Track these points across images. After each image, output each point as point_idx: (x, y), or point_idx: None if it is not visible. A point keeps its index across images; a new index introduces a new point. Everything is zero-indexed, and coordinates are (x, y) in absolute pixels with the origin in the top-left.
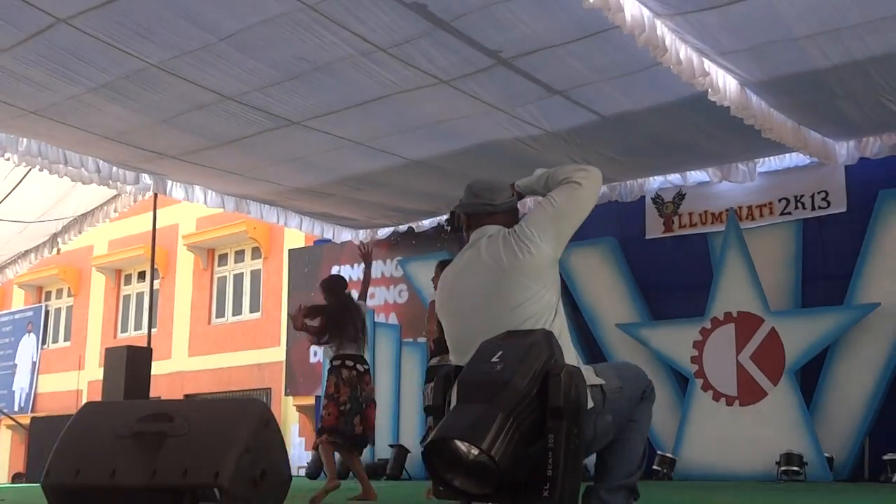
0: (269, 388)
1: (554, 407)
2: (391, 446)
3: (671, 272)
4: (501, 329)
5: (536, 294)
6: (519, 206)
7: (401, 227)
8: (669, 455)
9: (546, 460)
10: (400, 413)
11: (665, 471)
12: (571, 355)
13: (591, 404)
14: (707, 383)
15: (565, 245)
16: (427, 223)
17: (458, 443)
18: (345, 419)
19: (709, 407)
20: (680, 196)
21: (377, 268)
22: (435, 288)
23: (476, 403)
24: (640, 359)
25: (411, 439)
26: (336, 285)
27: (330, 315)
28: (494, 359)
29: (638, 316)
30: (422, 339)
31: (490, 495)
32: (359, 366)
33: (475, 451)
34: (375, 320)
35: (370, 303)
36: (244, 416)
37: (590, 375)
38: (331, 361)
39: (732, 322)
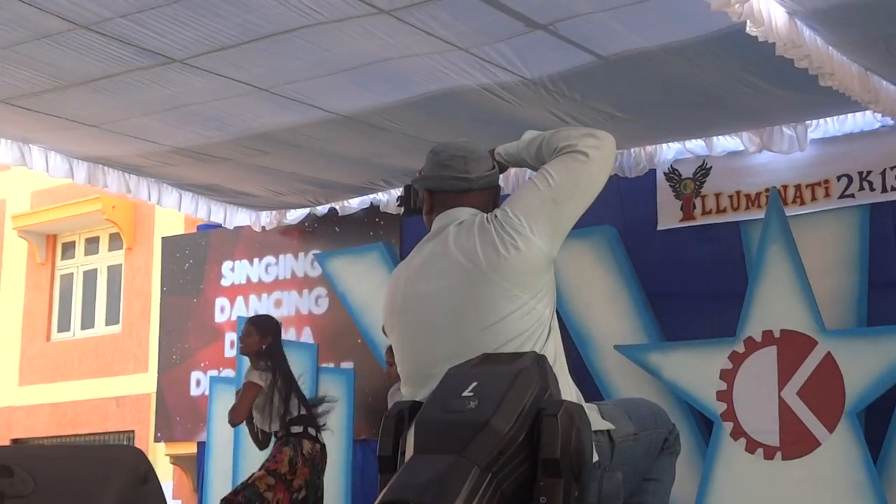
0: (132, 432)
1: (548, 459)
2: None
3: (691, 275)
4: (476, 352)
5: (525, 305)
6: (501, 181)
7: (319, 207)
8: None
9: None
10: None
11: None
12: (570, 389)
13: (595, 458)
14: (739, 428)
15: (564, 238)
16: (356, 203)
17: None
18: None
19: (741, 461)
20: (704, 170)
21: (284, 264)
22: None
23: (440, 454)
24: (647, 394)
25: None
26: (278, 326)
27: (278, 364)
28: (466, 392)
29: (645, 335)
30: (347, 365)
31: None
32: (320, 436)
33: None
34: (284, 338)
35: (275, 312)
36: (113, 468)
37: (594, 417)
38: (286, 426)
39: (774, 345)
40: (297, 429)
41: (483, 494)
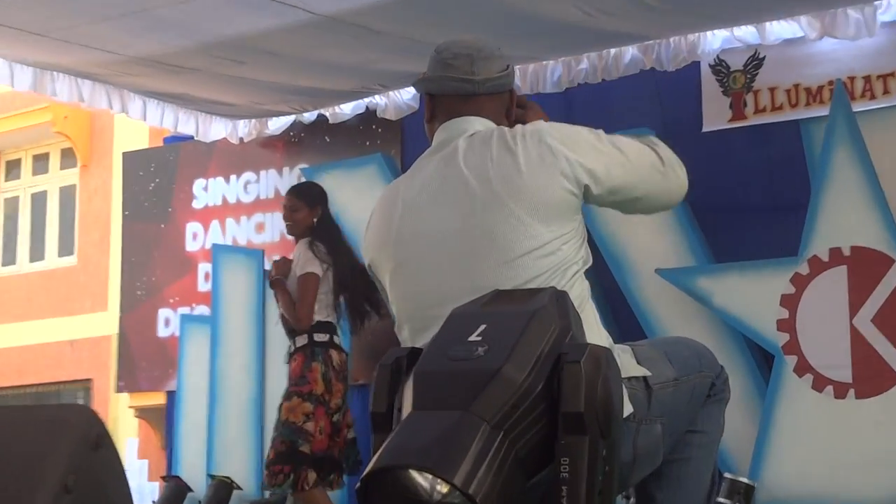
0: (90, 381)
1: (570, 414)
2: None
3: (743, 185)
4: (487, 288)
5: (547, 244)
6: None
7: (306, 115)
8: (744, 480)
9: (558, 500)
10: None
11: None
12: (597, 332)
13: (629, 409)
14: (804, 363)
15: (598, 203)
16: (349, 109)
17: (416, 475)
18: (343, 440)
19: (808, 401)
20: (756, 61)
21: (267, 182)
22: None
23: (444, 410)
24: (695, 326)
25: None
26: (325, 193)
27: (335, 244)
28: (473, 336)
29: (691, 256)
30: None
31: None
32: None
33: (443, 489)
34: (266, 267)
35: (257, 238)
36: (60, 432)
37: (627, 361)
38: (310, 334)
39: (843, 264)
40: (322, 337)
41: (494, 456)
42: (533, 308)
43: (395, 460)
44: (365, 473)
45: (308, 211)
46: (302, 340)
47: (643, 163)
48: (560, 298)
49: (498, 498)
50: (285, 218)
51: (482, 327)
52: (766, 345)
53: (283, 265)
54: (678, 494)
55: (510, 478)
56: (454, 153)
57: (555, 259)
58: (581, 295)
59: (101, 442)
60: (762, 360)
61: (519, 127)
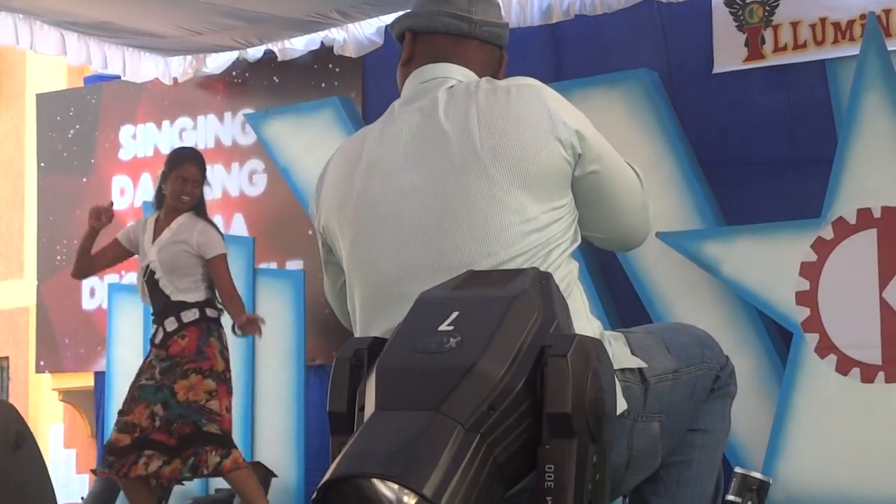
0: (5, 359)
1: (556, 415)
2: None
3: (760, 135)
4: (460, 268)
5: (534, 219)
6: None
7: (251, 50)
8: (757, 475)
9: None
10: (256, 406)
11: (750, 503)
12: (585, 320)
13: (622, 405)
14: (827, 342)
15: (567, 189)
16: (301, 44)
17: (380, 484)
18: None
19: (831, 384)
20: None
21: (205, 129)
22: None
23: (412, 410)
24: (702, 298)
25: (276, 454)
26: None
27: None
28: (444, 325)
29: (698, 218)
30: (294, 265)
31: None
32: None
33: (411, 501)
34: None
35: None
36: None
37: (620, 351)
38: (201, 309)
39: (873, 227)
40: (213, 313)
41: (469, 463)
42: (512, 292)
43: (357, 468)
44: (323, 482)
45: (202, 177)
46: (192, 315)
47: (629, 175)
48: (544, 281)
49: None
50: (186, 192)
51: (454, 315)
52: (784, 321)
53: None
54: (678, 502)
55: (487, 487)
56: (434, 105)
57: (539, 237)
58: (568, 278)
59: (20, 441)
60: (779, 339)
61: (511, 79)
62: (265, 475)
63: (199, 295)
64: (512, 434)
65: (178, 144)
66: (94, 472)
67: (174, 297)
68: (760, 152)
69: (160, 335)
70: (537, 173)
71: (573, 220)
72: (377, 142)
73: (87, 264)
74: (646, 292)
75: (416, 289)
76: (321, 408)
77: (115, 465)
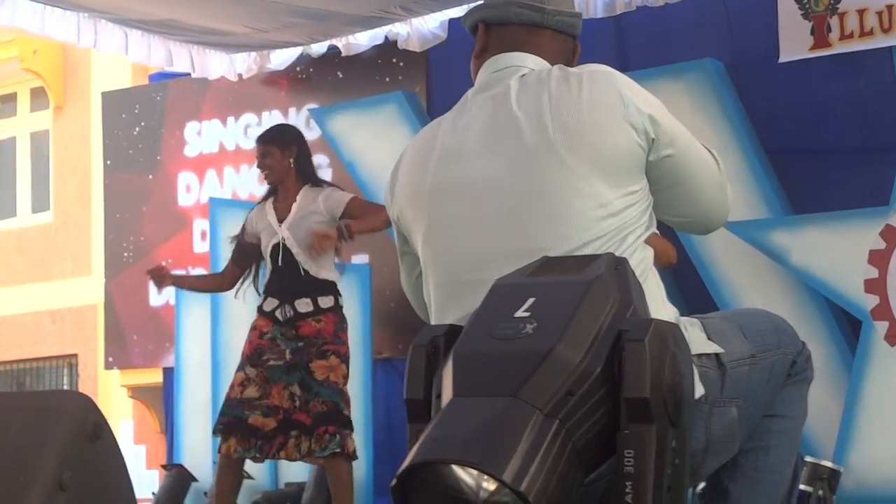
0: (74, 356)
1: (634, 399)
2: None
3: (827, 124)
4: (534, 255)
5: (608, 205)
6: None
7: (315, 46)
8: (827, 464)
9: (621, 498)
10: None
11: (822, 493)
12: (661, 305)
13: (700, 390)
14: None
15: (641, 174)
16: (365, 39)
17: (460, 470)
18: None
19: None
20: None
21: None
22: None
23: (489, 396)
24: (770, 287)
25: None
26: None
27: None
28: (521, 312)
29: (765, 208)
30: (360, 260)
31: None
32: None
33: (490, 486)
34: None
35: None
36: (53, 422)
37: (696, 336)
38: (336, 297)
39: None
40: (342, 301)
41: (548, 449)
42: (588, 278)
43: (436, 454)
44: (402, 469)
45: (280, 152)
46: (329, 301)
47: (704, 155)
48: (619, 266)
49: (553, 496)
50: (259, 167)
51: (530, 301)
52: (853, 309)
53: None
54: (756, 488)
55: (566, 473)
56: (506, 93)
57: (614, 222)
58: (643, 263)
59: (98, 432)
60: (848, 327)
61: (583, 66)
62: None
63: (333, 274)
64: (590, 419)
65: (243, 141)
66: (164, 467)
67: (316, 276)
68: (827, 141)
69: (288, 313)
70: (611, 159)
71: (648, 205)
72: (450, 130)
73: (222, 282)
74: (713, 282)
75: (490, 275)
76: (388, 401)
77: (264, 449)
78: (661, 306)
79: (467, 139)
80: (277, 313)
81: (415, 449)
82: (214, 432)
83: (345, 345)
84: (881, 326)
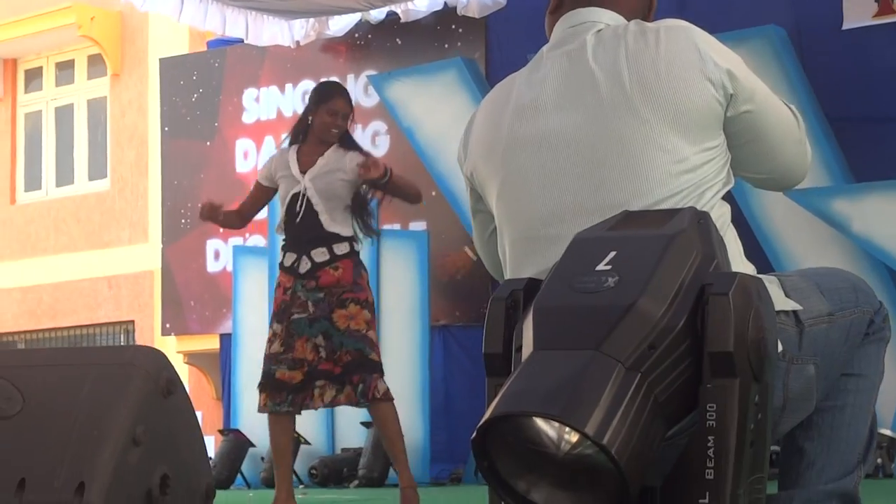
0: (131, 322)
1: (718, 354)
2: (366, 425)
3: (889, 92)
4: (613, 209)
5: (685, 160)
6: None
7: (373, 12)
8: (887, 432)
9: (703, 453)
10: None
11: (881, 461)
12: (740, 262)
13: (779, 347)
14: None
15: (719, 130)
16: (424, 6)
17: (542, 423)
18: None
19: None
20: None
21: None
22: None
23: (571, 350)
24: (831, 255)
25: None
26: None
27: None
28: (602, 265)
29: (827, 175)
30: (417, 226)
31: None
32: None
33: (572, 439)
34: None
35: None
36: (126, 378)
37: (775, 293)
38: (350, 243)
39: None
40: (359, 246)
41: (630, 402)
42: (671, 231)
43: (517, 406)
44: (482, 421)
45: (352, 116)
46: (344, 248)
47: (783, 110)
48: (702, 220)
49: (635, 449)
50: (336, 125)
51: (612, 254)
52: None
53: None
54: (832, 447)
55: (648, 426)
56: (582, 49)
57: (693, 177)
58: (721, 219)
59: (171, 388)
60: None
61: (660, 21)
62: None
63: (349, 230)
64: (672, 373)
65: (300, 107)
66: (220, 432)
67: (328, 228)
68: (889, 109)
69: (306, 265)
70: (689, 114)
71: (726, 161)
72: (525, 85)
73: (237, 220)
74: (773, 251)
75: (566, 230)
76: (445, 367)
77: (295, 401)
78: (740, 263)
79: (543, 94)
80: (297, 265)
81: (495, 402)
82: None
83: (364, 290)
84: None
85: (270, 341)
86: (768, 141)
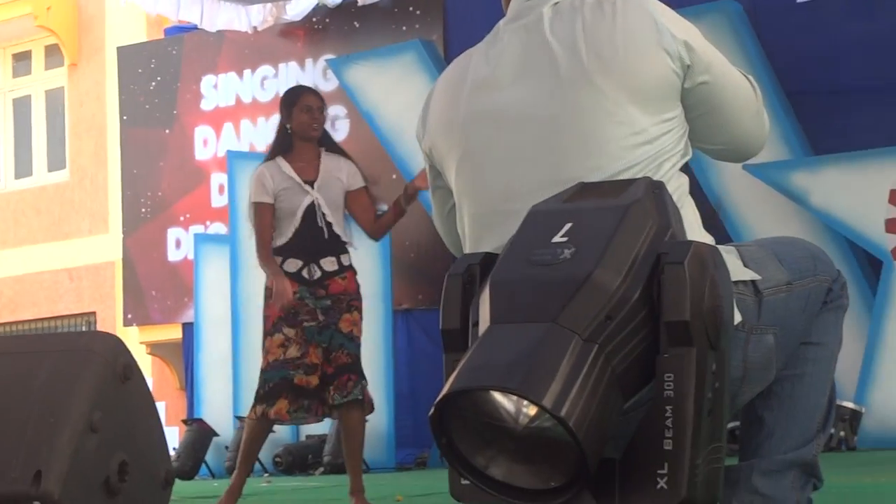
0: (92, 314)
1: (674, 323)
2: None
3: (847, 64)
4: (569, 183)
5: (643, 132)
6: None
7: None
8: (849, 405)
9: (661, 423)
10: None
11: (843, 434)
12: (698, 232)
13: (737, 318)
14: None
15: (676, 101)
16: None
17: (499, 396)
18: None
19: None
20: None
21: (287, 76)
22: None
23: (528, 323)
24: (790, 228)
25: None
26: None
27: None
28: (558, 237)
29: (785, 149)
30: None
31: (560, 490)
32: None
33: (530, 412)
34: None
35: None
36: (83, 363)
37: (733, 263)
38: (349, 253)
39: None
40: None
41: (588, 374)
42: (626, 202)
43: (474, 381)
44: (439, 397)
45: (325, 110)
46: (348, 258)
47: (741, 81)
48: (657, 190)
49: (593, 420)
50: (315, 120)
51: (567, 226)
52: (874, 249)
53: None
54: (791, 416)
55: (606, 398)
56: (538, 21)
57: (650, 149)
58: (679, 190)
59: (128, 374)
60: (868, 268)
61: None
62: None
63: (348, 234)
64: (629, 344)
65: (260, 94)
66: (184, 422)
67: (339, 234)
68: (846, 81)
69: (316, 273)
70: (646, 85)
71: (683, 132)
72: (483, 60)
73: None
74: (733, 224)
75: (524, 205)
76: (409, 352)
77: (312, 408)
78: (697, 233)
79: (500, 68)
80: (304, 273)
81: (452, 377)
82: (259, 401)
83: (361, 297)
84: None
85: (283, 346)
86: (725, 112)
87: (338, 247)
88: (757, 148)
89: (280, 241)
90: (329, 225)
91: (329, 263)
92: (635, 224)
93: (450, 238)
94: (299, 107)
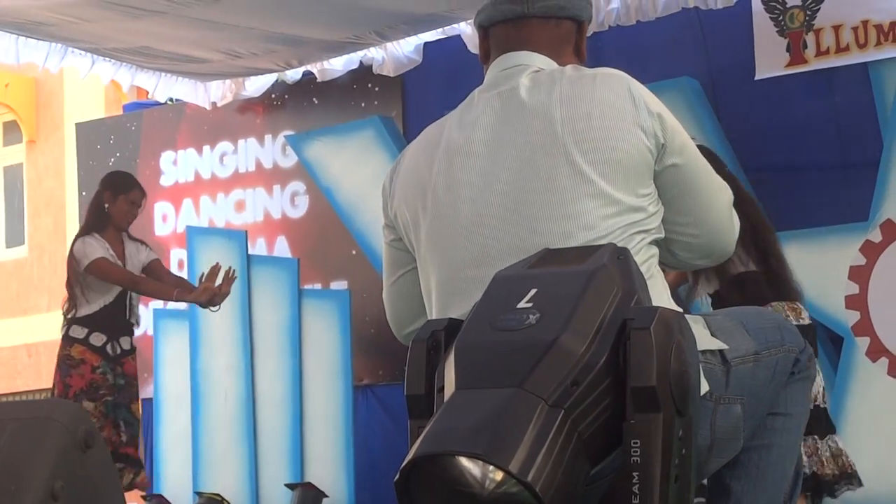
0: (50, 391)
1: (640, 388)
2: (290, 486)
3: (804, 141)
4: (540, 248)
5: (614, 204)
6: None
7: (290, 72)
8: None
9: (628, 489)
10: (305, 426)
11: None
12: (666, 302)
13: (705, 387)
14: (878, 345)
15: (650, 179)
16: (340, 65)
17: (465, 462)
18: None
19: (883, 388)
20: None
21: (246, 153)
22: None
23: (493, 388)
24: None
25: (326, 474)
26: None
27: None
28: (523, 303)
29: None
30: (339, 286)
31: None
32: None
33: (496, 477)
34: (250, 251)
35: (237, 218)
36: (43, 432)
37: (700, 333)
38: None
39: None
40: None
41: (554, 439)
42: (591, 267)
43: (440, 446)
44: (405, 462)
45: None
46: (134, 341)
47: (714, 175)
48: (622, 256)
49: (559, 486)
50: (133, 215)
51: (532, 291)
52: (834, 325)
53: None
54: (758, 486)
55: (573, 463)
56: (514, 90)
57: (620, 220)
58: (649, 261)
59: (90, 441)
60: (829, 343)
61: (598, 68)
62: (316, 496)
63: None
64: (596, 409)
65: (219, 170)
66: (144, 497)
67: (131, 319)
68: (806, 157)
69: (115, 350)
70: (619, 159)
71: (658, 211)
72: (457, 127)
73: None
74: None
75: (493, 272)
76: (369, 427)
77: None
78: (666, 303)
79: (474, 135)
80: (108, 348)
81: (417, 443)
82: None
83: None
84: (862, 342)
85: None
86: (696, 198)
87: (131, 327)
88: (727, 245)
89: (84, 310)
90: (132, 307)
91: (126, 342)
92: (601, 290)
93: (395, 307)
94: (127, 197)
